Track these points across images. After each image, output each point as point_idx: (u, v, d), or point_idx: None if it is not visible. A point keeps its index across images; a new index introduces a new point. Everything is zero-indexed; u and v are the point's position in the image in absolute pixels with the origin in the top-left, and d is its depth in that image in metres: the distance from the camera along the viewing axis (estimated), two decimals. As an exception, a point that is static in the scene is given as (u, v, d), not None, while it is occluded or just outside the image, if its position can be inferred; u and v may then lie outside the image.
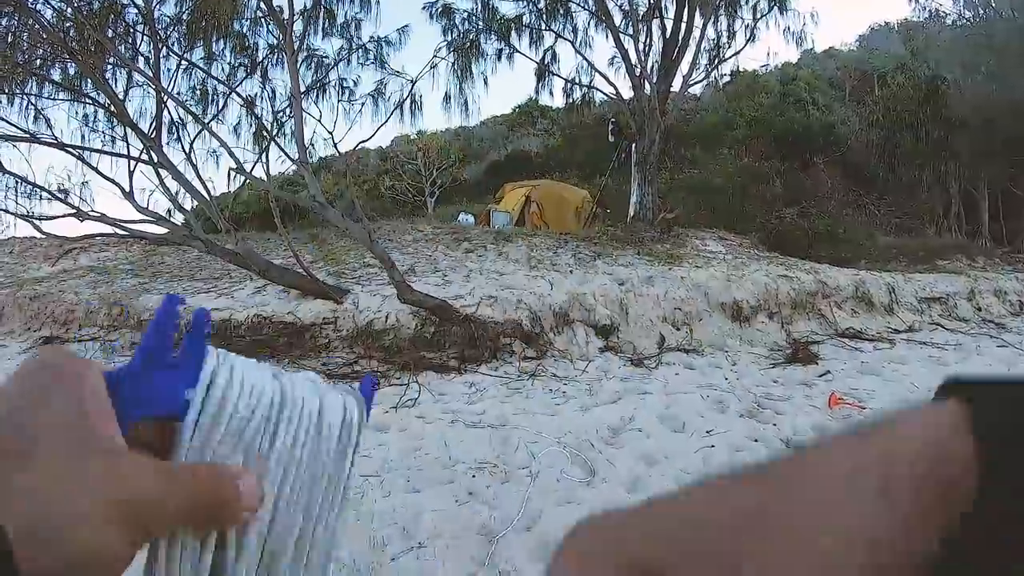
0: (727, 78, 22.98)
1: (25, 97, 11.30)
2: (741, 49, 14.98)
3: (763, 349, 7.89)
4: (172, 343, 0.53)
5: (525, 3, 14.78)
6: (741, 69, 23.95)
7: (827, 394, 5.98)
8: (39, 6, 10.47)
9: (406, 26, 13.07)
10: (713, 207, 14.23)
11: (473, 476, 4.55)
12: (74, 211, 8.85)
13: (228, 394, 0.52)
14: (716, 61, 15.20)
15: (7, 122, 9.88)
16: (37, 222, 9.39)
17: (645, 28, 13.95)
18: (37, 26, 10.16)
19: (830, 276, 9.52)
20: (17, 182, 9.44)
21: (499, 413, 5.80)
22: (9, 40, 10.76)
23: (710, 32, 14.48)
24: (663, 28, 13.78)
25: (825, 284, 9.20)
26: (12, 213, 9.99)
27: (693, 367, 7.21)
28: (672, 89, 13.55)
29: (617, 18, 14.03)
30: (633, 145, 13.31)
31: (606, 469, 4.61)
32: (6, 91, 11.27)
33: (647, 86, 13.19)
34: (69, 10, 10.34)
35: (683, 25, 13.16)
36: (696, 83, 15.00)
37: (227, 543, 0.49)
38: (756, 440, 5.04)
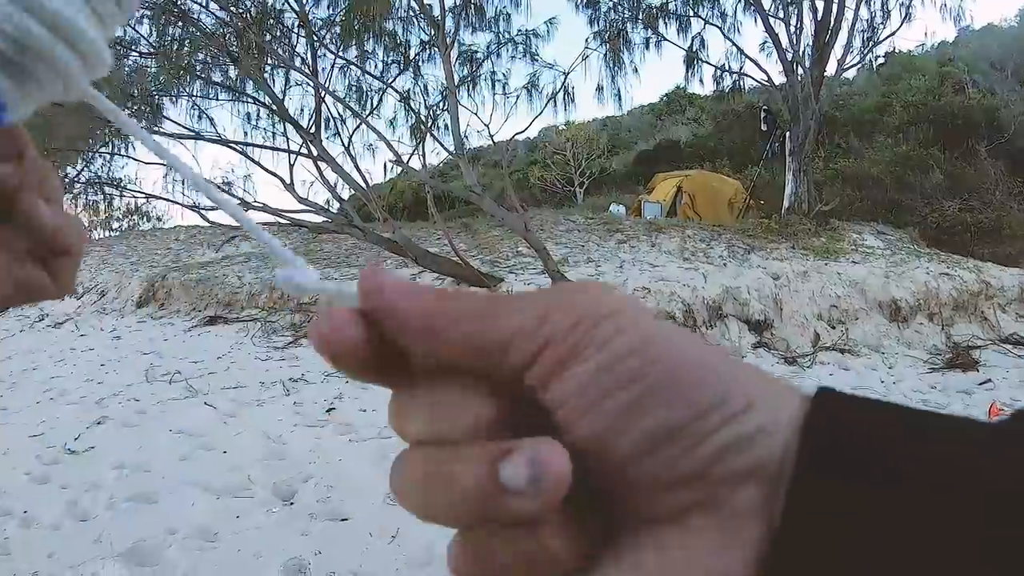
0: (881, 60, 22.08)
1: (190, 99, 12.10)
2: (897, 29, 14.35)
3: (921, 352, 7.73)
4: None
5: (672, -9, 14.64)
6: (895, 50, 23.02)
7: (988, 404, 5.84)
8: (201, 16, 11.16)
9: (553, 18, 13.20)
10: (870, 199, 13.79)
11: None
12: (239, 202, 9.43)
13: None
14: (870, 43, 14.68)
15: (174, 122, 10.67)
16: (203, 211, 10.10)
17: (795, 11, 13.55)
18: (199, 33, 10.88)
19: (994, 275, 9.16)
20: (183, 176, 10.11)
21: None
22: (175, 48, 11.55)
23: (863, 12, 13.98)
24: (814, 10, 13.32)
25: (989, 284, 8.87)
26: (180, 203, 10.82)
27: (848, 368, 7.17)
28: (826, 73, 13.18)
29: (766, 2, 13.73)
30: (787, 134, 13.07)
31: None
32: (173, 94, 12.13)
33: (799, 71, 12.89)
34: (229, 17, 11.00)
35: (835, 6, 12.74)
36: (851, 67, 14.51)
37: None
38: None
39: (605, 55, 14.02)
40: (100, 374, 7.02)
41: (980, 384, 6.60)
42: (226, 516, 3.97)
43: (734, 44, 14.78)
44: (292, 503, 4.16)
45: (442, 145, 10.38)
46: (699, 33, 15.16)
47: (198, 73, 11.79)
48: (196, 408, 5.87)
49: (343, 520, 3.95)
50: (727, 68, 15.41)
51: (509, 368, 0.31)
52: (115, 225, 22.95)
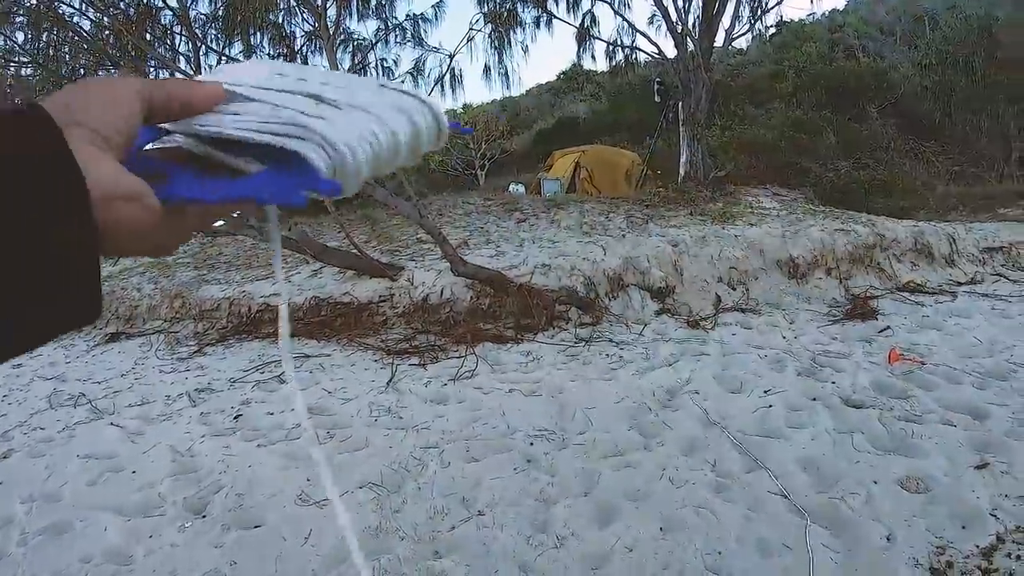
0: (772, 30, 22.54)
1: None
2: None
3: (821, 306, 7.80)
4: None
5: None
6: (786, 19, 23.49)
7: (887, 350, 5.89)
8: (76, 18, 10.70)
9: (441, 1, 13.04)
10: (765, 163, 13.99)
11: (531, 444, 4.63)
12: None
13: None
14: (759, 12, 14.90)
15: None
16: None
17: (684, -17, 13.69)
18: (76, 38, 10.40)
19: (888, 228, 9.34)
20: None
21: (556, 381, 5.86)
22: (51, 53, 11.05)
23: (750, -17, 14.21)
24: (702, -18, 13.50)
25: (883, 237, 9.02)
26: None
27: (750, 327, 7.17)
28: (715, 45, 13.32)
29: (654, -25, 13.80)
30: (680, 104, 13.16)
31: (663, 432, 4.64)
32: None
33: (690, 43, 12.99)
34: (106, 19, 10.55)
35: (722, -23, 12.90)
36: (739, 36, 14.66)
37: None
38: (815, 399, 4.99)
39: (491, 34, 13.91)
40: (2, 405, 6.64)
41: (880, 332, 6.66)
42: (138, 537, 3.82)
43: (624, 19, 14.84)
44: (204, 516, 4.01)
45: (333, 136, 10.10)
46: (590, 10, 15.20)
47: (80, 79, 11.24)
48: (102, 429, 5.59)
49: (256, 527, 3.83)
50: (619, 43, 15.47)
51: None
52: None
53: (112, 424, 5.69)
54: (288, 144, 0.56)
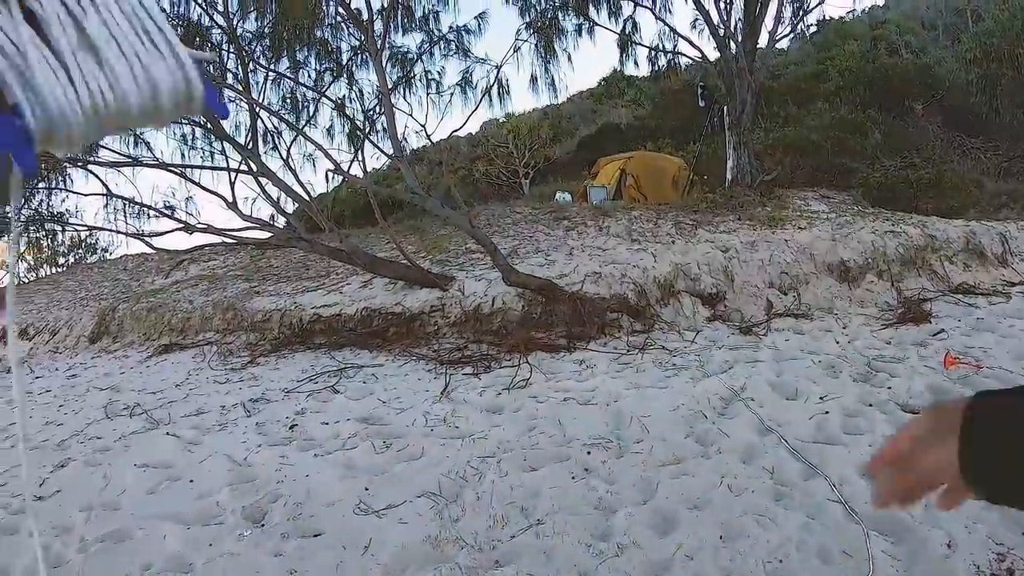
0: (813, 28, 22.31)
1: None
2: (824, -2, 14.58)
3: (873, 309, 7.79)
4: None
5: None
6: (827, 17, 23.25)
7: (942, 354, 5.88)
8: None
9: (484, 12, 13.18)
10: (811, 165, 13.91)
11: (588, 452, 4.68)
12: (182, 225, 9.23)
13: None
14: (800, 12, 14.83)
15: (110, 149, 10.43)
16: (148, 239, 9.88)
17: (724, -14, 13.66)
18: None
19: (939, 229, 9.27)
20: (125, 204, 9.87)
21: (610, 389, 5.92)
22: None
23: (791, -17, 14.13)
24: (743, -16, 13.46)
25: (934, 238, 8.97)
26: (124, 233, 10.57)
27: (803, 332, 7.18)
28: (758, 45, 13.27)
29: (694, -22, 13.80)
30: (724, 108, 13.14)
31: (720, 440, 4.69)
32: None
33: (732, 46, 12.96)
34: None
35: (762, -21, 12.86)
36: (783, 37, 14.60)
37: None
38: (870, 405, 5.01)
39: (537, 45, 13.99)
40: (59, 415, 6.84)
41: (934, 335, 6.64)
42: (198, 545, 3.88)
43: (666, 24, 14.91)
44: (263, 524, 4.08)
45: (381, 149, 10.31)
46: (631, 16, 15.20)
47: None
48: (159, 439, 5.72)
49: (315, 536, 3.89)
50: (661, 48, 15.47)
51: None
52: (61, 261, 22.59)
53: (168, 434, 5.82)
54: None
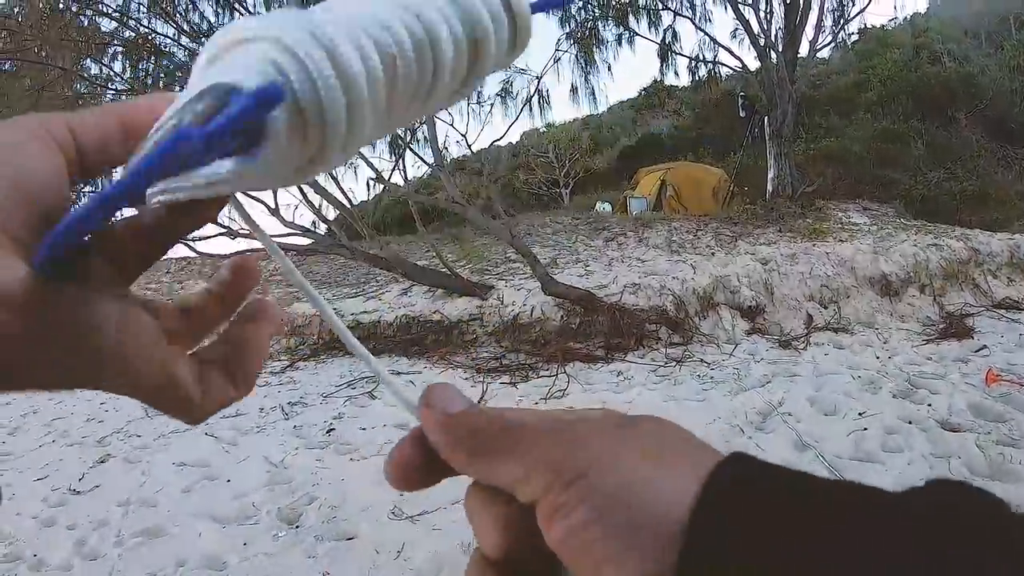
0: (855, 37, 22.13)
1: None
2: (866, 6, 14.46)
3: (915, 324, 7.74)
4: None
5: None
6: (868, 26, 23.04)
7: (984, 371, 5.82)
8: (172, 48, 11.21)
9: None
10: (853, 176, 13.82)
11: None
12: (225, 230, 9.38)
13: None
14: (841, 21, 14.76)
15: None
16: (191, 243, 10.04)
17: (764, -4, 13.63)
18: (172, 67, 10.90)
19: (982, 242, 9.17)
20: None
21: (648, 401, 5.96)
22: (149, 82, 11.61)
23: (831, -9, 14.08)
24: (783, -7, 13.42)
25: (977, 251, 8.88)
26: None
27: (842, 346, 7.16)
28: (799, 55, 13.22)
29: (734, -12, 13.79)
30: (765, 118, 13.11)
31: (757, 455, 4.70)
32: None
33: (773, 55, 12.92)
34: (200, 48, 11.04)
35: (802, -13, 12.81)
36: (824, 46, 14.54)
37: None
38: (910, 422, 4.99)
39: (577, 55, 14.09)
40: (100, 413, 6.99)
41: (976, 351, 6.60)
42: (233, 544, 3.98)
43: (706, 34, 14.88)
44: (297, 526, 4.17)
45: (422, 159, 10.42)
46: (670, 26, 15.26)
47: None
48: (197, 439, 5.83)
49: (349, 539, 3.97)
50: (701, 58, 15.51)
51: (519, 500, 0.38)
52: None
53: (207, 434, 5.91)
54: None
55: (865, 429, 4.93)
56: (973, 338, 7.01)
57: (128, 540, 4.10)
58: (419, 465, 0.42)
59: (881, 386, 5.81)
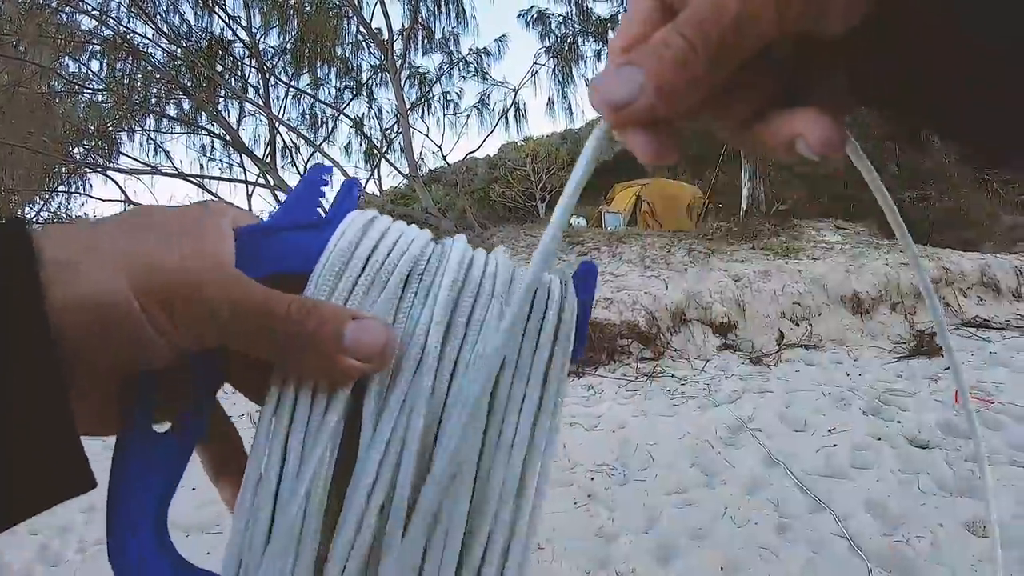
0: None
1: (145, 133, 12.03)
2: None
3: (886, 342, 7.73)
4: (315, 210, 0.47)
5: (619, 2, 14.77)
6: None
7: (953, 388, 5.83)
8: (150, 49, 11.14)
9: (503, 36, 13.30)
10: (828, 195, 13.89)
11: (592, 478, 4.67)
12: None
13: (362, 241, 0.44)
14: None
15: (130, 157, 10.56)
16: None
17: (746, 14, 13.66)
18: (150, 68, 10.82)
19: (953, 261, 9.20)
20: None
21: (617, 415, 5.89)
22: (126, 82, 11.52)
23: (809, 11, 14.17)
24: (764, 13, 13.46)
25: (948, 270, 8.90)
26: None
27: (813, 363, 7.15)
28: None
29: (716, 5, 13.81)
30: (741, 136, 13.11)
31: (725, 471, 4.67)
32: (128, 129, 12.06)
33: (749, 72, 12.97)
34: (179, 51, 10.95)
35: (784, 8, 12.87)
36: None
37: (365, 394, 0.42)
38: (879, 438, 4.96)
39: (555, 69, 14.10)
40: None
41: (946, 369, 6.58)
42: (198, 553, 3.85)
43: (684, 51, 14.85)
44: None
45: (397, 169, 10.40)
46: (651, 42, 15.27)
47: (152, 107, 11.71)
48: None
49: None
50: (680, 75, 15.50)
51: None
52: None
53: None
54: None
55: (835, 445, 4.90)
56: (943, 356, 7.00)
57: (90, 547, 4.07)
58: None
59: (851, 403, 5.79)
